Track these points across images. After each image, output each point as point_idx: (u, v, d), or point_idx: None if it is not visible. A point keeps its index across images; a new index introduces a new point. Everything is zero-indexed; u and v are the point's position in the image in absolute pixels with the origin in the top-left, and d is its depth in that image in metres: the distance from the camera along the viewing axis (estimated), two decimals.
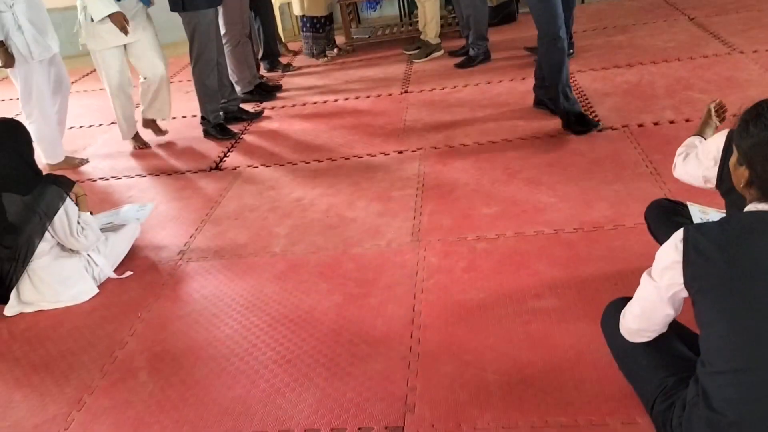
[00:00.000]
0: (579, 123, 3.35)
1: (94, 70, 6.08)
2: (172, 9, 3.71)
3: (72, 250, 2.54)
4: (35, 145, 3.58)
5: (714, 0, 5.25)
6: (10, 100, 5.55)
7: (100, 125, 4.60)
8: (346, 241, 2.70)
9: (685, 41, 4.39)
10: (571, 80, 4.04)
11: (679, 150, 1.94)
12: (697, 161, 1.77)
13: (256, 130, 4.10)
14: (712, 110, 2.01)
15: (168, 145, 4.04)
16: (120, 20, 3.47)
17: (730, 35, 4.37)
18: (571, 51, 4.40)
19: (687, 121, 3.23)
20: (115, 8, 3.46)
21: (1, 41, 3.34)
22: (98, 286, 2.58)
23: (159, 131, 4.11)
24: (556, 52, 3.32)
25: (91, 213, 2.63)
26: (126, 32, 3.52)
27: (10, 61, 3.41)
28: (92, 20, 3.53)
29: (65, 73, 3.77)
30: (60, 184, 2.47)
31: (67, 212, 2.44)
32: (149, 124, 4.09)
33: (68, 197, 2.46)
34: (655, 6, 5.32)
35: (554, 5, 3.26)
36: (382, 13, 6.41)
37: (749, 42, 4.18)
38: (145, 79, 3.87)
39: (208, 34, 3.78)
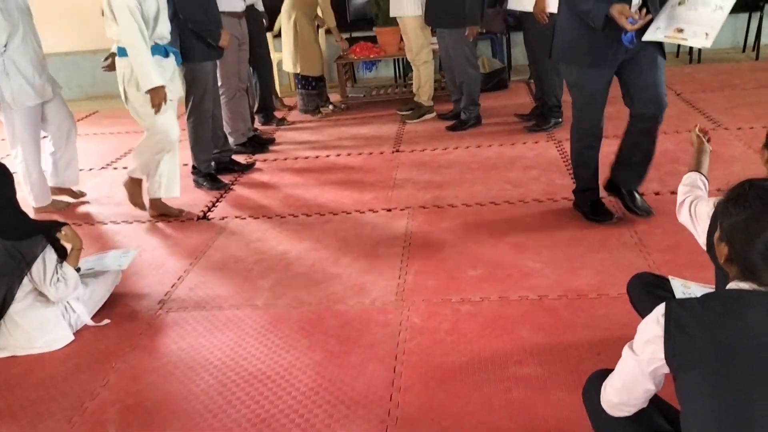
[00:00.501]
0: (594, 212, 3.13)
1: (89, 115, 6.17)
2: None
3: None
4: (22, 187, 3.57)
5: (700, 77, 5.43)
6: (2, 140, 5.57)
7: (90, 169, 4.60)
8: (330, 297, 2.68)
9: (672, 115, 4.48)
10: (560, 148, 4.13)
11: (682, 190, 1.91)
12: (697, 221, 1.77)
13: (247, 181, 4.12)
14: (701, 137, 2.05)
15: None
16: (161, 97, 3.21)
17: (715, 112, 4.50)
18: (560, 120, 4.50)
19: (672, 193, 3.28)
20: (163, 80, 3.22)
21: None
22: (74, 333, 2.53)
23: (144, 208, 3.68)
24: (579, 143, 3.11)
25: (78, 269, 2.58)
26: (158, 109, 3.25)
27: None
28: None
29: (66, 115, 3.76)
30: (43, 231, 2.44)
31: (45, 260, 2.40)
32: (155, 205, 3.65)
33: (48, 246, 2.42)
34: None
35: (589, 94, 2.94)
36: (377, 73, 6.56)
37: (733, 119, 4.31)
38: None
39: (206, 86, 3.84)
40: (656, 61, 2.80)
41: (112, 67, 3.35)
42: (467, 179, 3.82)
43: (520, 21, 4.54)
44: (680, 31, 2.55)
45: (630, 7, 2.61)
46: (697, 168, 2.01)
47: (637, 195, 3.13)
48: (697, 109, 4.59)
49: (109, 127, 5.60)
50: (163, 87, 3.20)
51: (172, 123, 3.40)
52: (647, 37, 2.65)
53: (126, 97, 3.29)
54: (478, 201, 3.49)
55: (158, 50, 3.25)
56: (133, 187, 3.57)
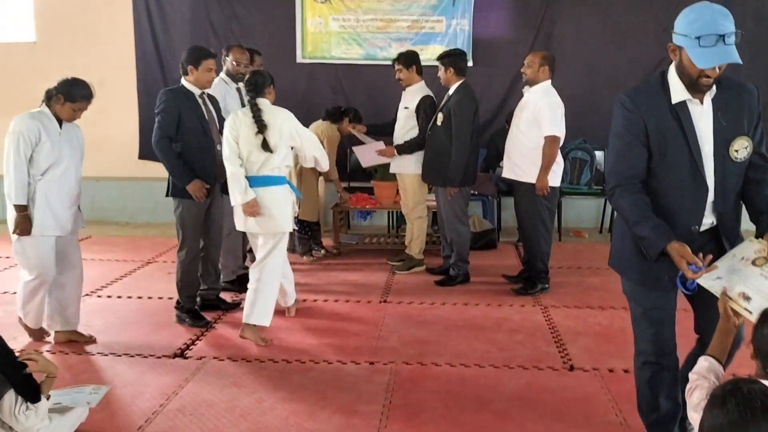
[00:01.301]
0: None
1: (82, 239, 6.21)
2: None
3: (11, 428, 2.36)
4: (19, 310, 3.53)
5: None
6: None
7: None
8: None
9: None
10: (546, 314, 4.15)
11: (692, 377, 1.81)
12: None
13: (230, 320, 4.07)
14: (729, 312, 1.89)
15: (136, 326, 3.97)
16: (253, 209, 3.60)
17: None
18: (547, 286, 4.57)
19: None
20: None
21: (24, 205, 3.32)
22: None
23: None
24: (638, 372, 2.46)
25: (48, 397, 2.48)
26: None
27: (26, 229, 3.33)
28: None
29: (77, 253, 3.64)
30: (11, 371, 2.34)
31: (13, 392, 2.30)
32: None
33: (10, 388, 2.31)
34: None
35: (642, 312, 2.36)
36: (372, 222, 6.74)
37: None
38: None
39: (192, 223, 3.87)
40: None
41: None
42: (453, 337, 3.79)
43: (511, 187, 4.76)
44: (747, 298, 1.94)
45: (697, 239, 2.14)
46: (716, 351, 1.87)
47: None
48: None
49: (99, 254, 5.62)
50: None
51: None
52: (703, 282, 2.02)
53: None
54: (463, 362, 3.44)
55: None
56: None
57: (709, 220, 2.18)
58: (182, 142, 3.78)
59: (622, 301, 4.28)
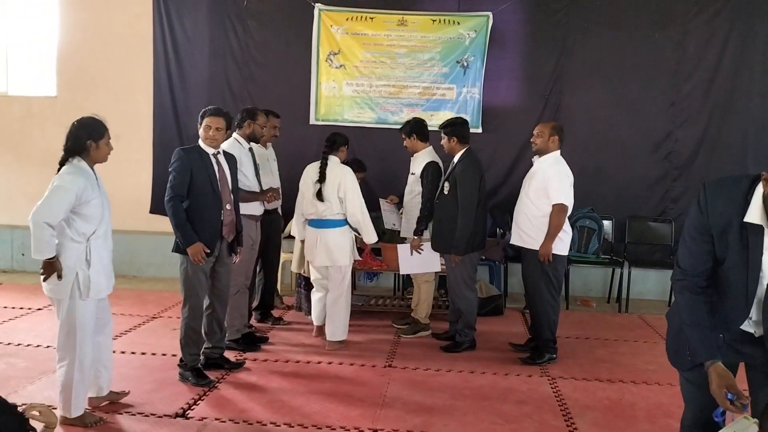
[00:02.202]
0: None
1: None
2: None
3: None
4: (57, 393, 3.28)
5: None
6: (5, 307, 5.55)
7: None
8: None
9: (665, 365, 4.39)
10: (553, 385, 4.08)
11: None
12: None
13: (233, 380, 4.02)
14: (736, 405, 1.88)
15: (138, 382, 3.92)
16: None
17: None
18: (554, 356, 4.51)
19: None
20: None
21: (54, 256, 3.13)
22: None
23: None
24: None
25: None
26: None
27: (56, 270, 3.15)
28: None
29: (110, 313, 3.53)
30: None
31: None
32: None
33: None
34: (635, 325, 5.57)
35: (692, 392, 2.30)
36: (378, 283, 6.72)
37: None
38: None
39: (199, 283, 3.89)
40: None
41: None
42: (458, 407, 3.72)
43: (519, 253, 4.76)
44: None
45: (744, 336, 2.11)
46: None
47: None
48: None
49: None
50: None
51: None
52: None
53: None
54: None
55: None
56: None
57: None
58: (190, 200, 3.82)
59: (631, 375, 4.26)
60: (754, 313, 2.07)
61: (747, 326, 2.12)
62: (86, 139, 3.22)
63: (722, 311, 2.13)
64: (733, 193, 2.02)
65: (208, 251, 3.82)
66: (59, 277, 3.16)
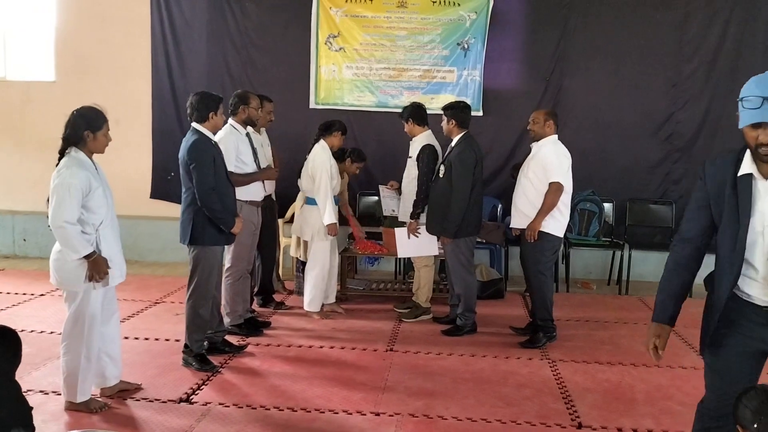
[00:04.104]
0: None
1: None
2: (181, 240, 3.91)
3: None
4: (61, 380, 3.32)
5: (693, 312, 5.53)
6: (8, 293, 5.58)
7: None
8: None
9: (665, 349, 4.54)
10: (553, 368, 4.11)
11: None
12: None
13: (237, 365, 4.05)
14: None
15: (142, 367, 3.95)
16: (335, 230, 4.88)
17: None
18: (554, 334, 4.55)
19: None
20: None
21: (93, 251, 3.15)
22: None
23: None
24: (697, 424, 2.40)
25: None
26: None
27: (105, 271, 3.18)
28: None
29: (117, 303, 3.53)
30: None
31: None
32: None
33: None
34: (635, 308, 5.60)
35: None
36: (379, 267, 6.73)
37: None
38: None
39: (211, 270, 3.91)
40: None
41: None
42: (460, 390, 3.75)
43: (519, 237, 4.76)
44: None
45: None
46: None
47: None
48: (690, 345, 4.63)
49: None
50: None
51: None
52: None
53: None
54: (469, 416, 3.40)
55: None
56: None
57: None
58: (217, 190, 3.83)
59: (631, 357, 4.29)
60: (761, 266, 2.09)
61: (759, 292, 2.13)
62: (84, 130, 3.18)
63: (717, 275, 2.24)
64: (726, 159, 2.19)
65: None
66: (105, 273, 3.18)
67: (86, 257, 3.14)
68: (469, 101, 5.56)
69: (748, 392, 1.84)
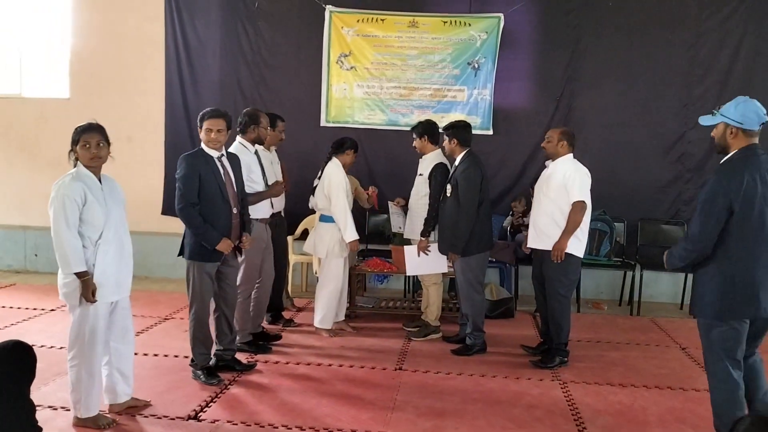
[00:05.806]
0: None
1: None
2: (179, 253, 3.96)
3: None
4: (69, 394, 3.34)
5: None
6: (10, 307, 5.61)
7: None
8: None
9: (678, 370, 4.49)
10: (565, 390, 4.06)
11: None
12: None
13: (245, 382, 4.03)
14: None
15: (151, 383, 3.94)
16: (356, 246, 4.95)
17: None
18: (566, 359, 4.49)
19: None
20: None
21: (85, 271, 3.17)
22: None
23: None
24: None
25: None
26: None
27: (91, 294, 3.18)
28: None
29: (131, 320, 3.52)
30: None
31: None
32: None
33: None
34: (647, 329, 5.53)
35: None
36: (388, 285, 6.72)
37: None
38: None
39: (203, 285, 3.90)
40: None
41: None
42: (469, 411, 3.71)
43: (530, 256, 4.72)
44: None
45: None
46: None
47: None
48: (703, 368, 4.57)
49: None
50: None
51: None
52: None
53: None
54: None
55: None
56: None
57: None
58: (201, 206, 3.80)
59: (643, 379, 4.24)
60: None
61: None
62: (72, 145, 3.27)
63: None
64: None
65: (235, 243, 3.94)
66: (93, 295, 3.18)
67: (78, 275, 3.16)
68: (479, 120, 5.60)
69: (743, 420, 1.87)
